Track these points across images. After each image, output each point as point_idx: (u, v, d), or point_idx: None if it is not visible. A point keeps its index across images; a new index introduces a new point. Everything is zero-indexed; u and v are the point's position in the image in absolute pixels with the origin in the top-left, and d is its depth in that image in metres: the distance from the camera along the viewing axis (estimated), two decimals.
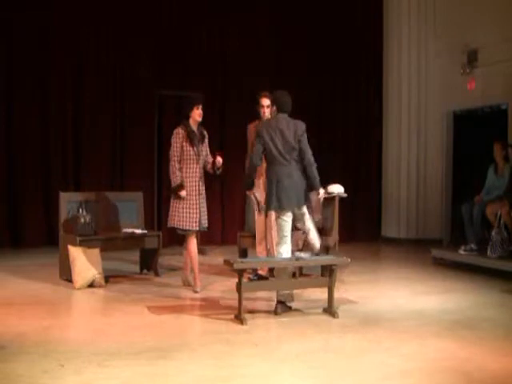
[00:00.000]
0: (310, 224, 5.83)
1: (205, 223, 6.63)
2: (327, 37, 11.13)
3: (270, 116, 6.55)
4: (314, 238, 5.85)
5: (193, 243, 6.62)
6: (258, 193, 6.48)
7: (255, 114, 7.00)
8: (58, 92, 9.73)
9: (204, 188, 6.67)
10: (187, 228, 6.49)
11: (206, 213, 6.65)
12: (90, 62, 9.88)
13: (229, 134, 10.48)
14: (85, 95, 9.85)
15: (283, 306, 5.64)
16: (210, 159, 6.67)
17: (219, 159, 6.58)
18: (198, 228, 6.54)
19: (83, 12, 9.76)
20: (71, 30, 9.73)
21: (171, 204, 6.58)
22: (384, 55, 11.52)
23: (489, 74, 9.82)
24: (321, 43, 11.10)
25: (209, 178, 7.06)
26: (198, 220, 6.49)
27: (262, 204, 6.15)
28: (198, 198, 6.52)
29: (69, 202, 7.16)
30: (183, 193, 6.42)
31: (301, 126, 5.75)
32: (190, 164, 6.51)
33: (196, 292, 6.54)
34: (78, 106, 9.85)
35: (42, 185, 9.69)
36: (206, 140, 6.69)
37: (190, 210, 6.46)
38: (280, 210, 5.65)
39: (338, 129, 11.40)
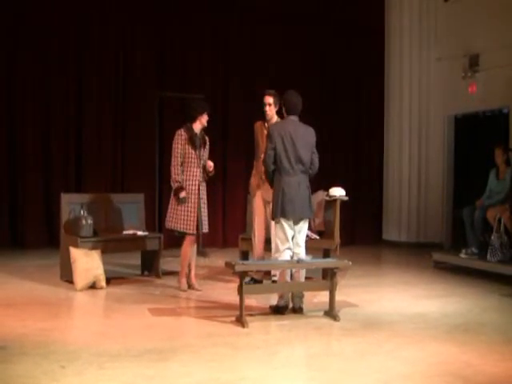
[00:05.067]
0: (302, 240, 5.77)
1: (204, 228, 6.64)
2: (329, 39, 11.13)
3: (272, 115, 6.53)
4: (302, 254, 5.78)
5: (189, 245, 6.65)
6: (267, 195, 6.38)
7: (259, 116, 6.97)
8: (59, 92, 9.74)
9: (205, 192, 6.70)
10: (184, 230, 6.54)
11: (206, 217, 6.67)
12: (92, 62, 9.88)
13: (231, 137, 10.49)
14: (86, 96, 9.86)
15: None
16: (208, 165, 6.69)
17: (210, 163, 6.65)
18: (194, 232, 6.56)
19: (86, 12, 9.78)
20: (73, 29, 9.75)
21: (170, 205, 6.62)
22: (386, 59, 11.53)
23: (490, 78, 9.83)
24: (323, 45, 11.10)
25: (211, 180, 7.06)
26: (195, 224, 6.52)
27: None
28: (197, 201, 6.54)
29: (70, 204, 7.16)
30: (183, 194, 6.45)
31: (313, 135, 5.73)
32: (191, 167, 6.54)
33: (199, 290, 6.61)
34: (80, 107, 9.86)
35: (44, 186, 9.69)
36: (207, 145, 6.74)
37: (189, 213, 6.50)
38: (284, 219, 5.59)
39: (339, 133, 11.39)
